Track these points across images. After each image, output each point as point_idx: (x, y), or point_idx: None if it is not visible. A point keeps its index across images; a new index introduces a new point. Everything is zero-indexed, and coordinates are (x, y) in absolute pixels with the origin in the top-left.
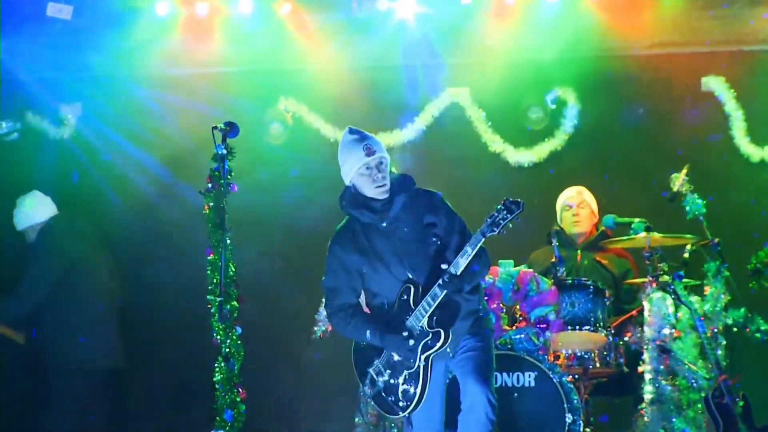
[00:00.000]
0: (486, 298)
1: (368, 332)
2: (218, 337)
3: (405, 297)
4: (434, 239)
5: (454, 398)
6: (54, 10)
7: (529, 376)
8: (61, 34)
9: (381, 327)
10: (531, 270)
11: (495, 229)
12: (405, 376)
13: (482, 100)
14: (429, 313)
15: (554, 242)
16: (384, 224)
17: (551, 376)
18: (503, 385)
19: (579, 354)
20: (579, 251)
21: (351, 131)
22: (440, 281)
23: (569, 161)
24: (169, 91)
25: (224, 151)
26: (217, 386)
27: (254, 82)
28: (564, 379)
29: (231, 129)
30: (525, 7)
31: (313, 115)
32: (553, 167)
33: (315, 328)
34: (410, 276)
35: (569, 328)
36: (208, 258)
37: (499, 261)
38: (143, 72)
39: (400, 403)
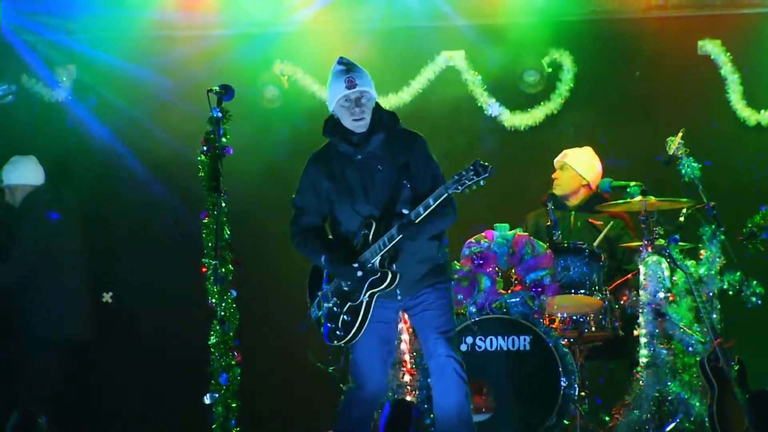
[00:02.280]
0: (481, 261)
1: (323, 257)
2: (213, 300)
3: (365, 231)
4: (405, 181)
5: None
6: None
7: (525, 339)
8: None
9: (336, 255)
10: (526, 234)
11: (459, 187)
12: (348, 307)
13: (478, 63)
14: (382, 252)
15: (549, 205)
16: (359, 157)
17: (546, 339)
18: (498, 348)
19: (574, 318)
20: (573, 212)
21: (340, 61)
22: (398, 225)
23: (565, 125)
24: (164, 54)
25: (219, 114)
26: (212, 349)
27: (249, 45)
28: (559, 342)
29: (226, 92)
30: None
31: (308, 78)
32: (549, 131)
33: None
34: (372, 213)
35: (565, 291)
36: (203, 221)
37: (495, 225)
38: (138, 34)
39: (338, 332)
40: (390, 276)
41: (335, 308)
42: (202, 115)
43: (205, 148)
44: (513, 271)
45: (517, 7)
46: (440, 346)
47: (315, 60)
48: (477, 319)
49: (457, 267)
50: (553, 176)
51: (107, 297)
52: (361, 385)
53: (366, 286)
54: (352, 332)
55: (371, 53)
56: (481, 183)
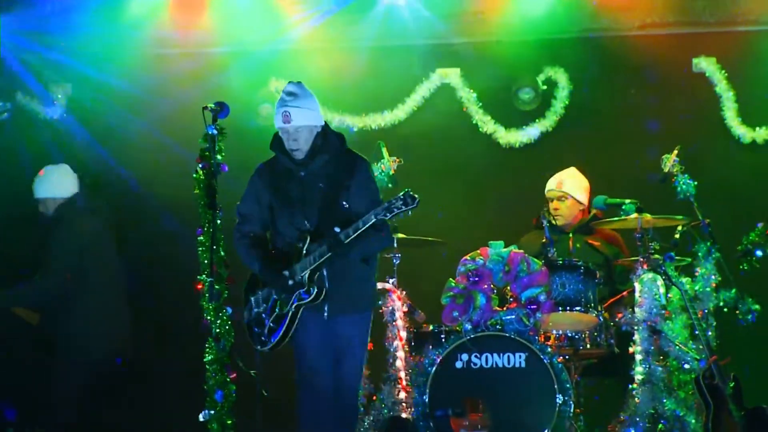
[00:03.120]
0: (476, 279)
1: (258, 265)
2: (208, 317)
3: (300, 245)
4: (344, 202)
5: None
6: None
7: (520, 357)
8: (51, 14)
9: (270, 264)
10: (521, 251)
11: (388, 214)
12: (275, 315)
13: (473, 81)
14: (312, 267)
15: (545, 223)
16: (302, 173)
17: (542, 357)
18: (494, 365)
19: (570, 335)
20: (570, 234)
21: (286, 89)
22: (328, 243)
23: (560, 142)
24: (160, 72)
25: (215, 131)
26: (207, 366)
27: (245, 62)
28: (555, 359)
29: (221, 109)
30: None
31: None
32: (544, 148)
33: None
34: (309, 228)
35: (560, 309)
36: (199, 238)
37: (490, 242)
38: (134, 52)
39: (263, 338)
40: (316, 290)
41: (263, 314)
42: (197, 132)
43: (200, 165)
44: (508, 288)
45: (512, 25)
46: (345, 390)
47: (310, 77)
48: (472, 336)
49: (453, 284)
50: (553, 207)
51: None
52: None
53: (294, 297)
54: (275, 340)
55: (366, 71)
56: (409, 213)
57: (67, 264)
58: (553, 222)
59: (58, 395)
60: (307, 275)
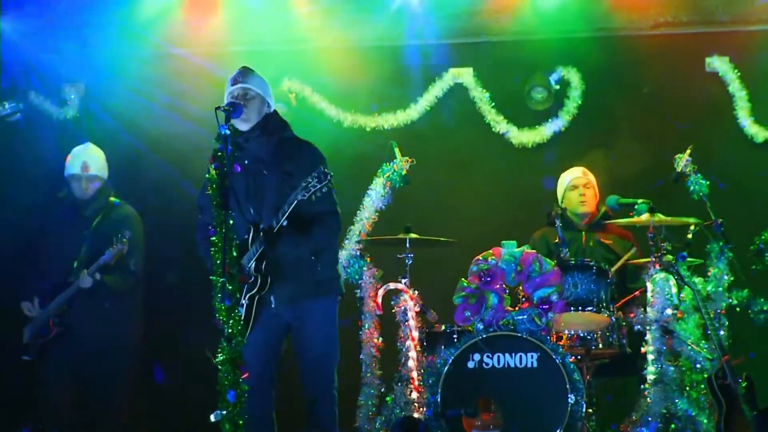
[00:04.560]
0: (488, 278)
1: (209, 262)
2: (221, 317)
3: (246, 236)
4: (287, 189)
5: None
6: None
7: (532, 357)
8: (64, 12)
9: None
10: (534, 251)
11: (305, 194)
12: None
13: (486, 80)
14: (255, 257)
15: (558, 223)
16: (246, 162)
17: (554, 357)
18: (506, 365)
19: (582, 335)
20: (583, 232)
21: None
22: (261, 231)
23: (573, 142)
24: (173, 71)
25: (227, 132)
26: (219, 366)
27: (257, 62)
28: (567, 359)
29: (234, 109)
30: None
31: (316, 96)
32: (557, 148)
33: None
34: (254, 218)
35: (572, 309)
36: (211, 238)
37: (502, 242)
38: (147, 51)
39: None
40: (260, 280)
41: None
42: (210, 132)
43: (213, 165)
44: (520, 288)
45: (525, 24)
46: (316, 388)
47: (323, 78)
48: (484, 336)
49: (465, 284)
50: (580, 193)
51: None
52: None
53: (244, 288)
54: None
55: (379, 70)
56: (325, 189)
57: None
58: (580, 209)
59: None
60: (253, 266)
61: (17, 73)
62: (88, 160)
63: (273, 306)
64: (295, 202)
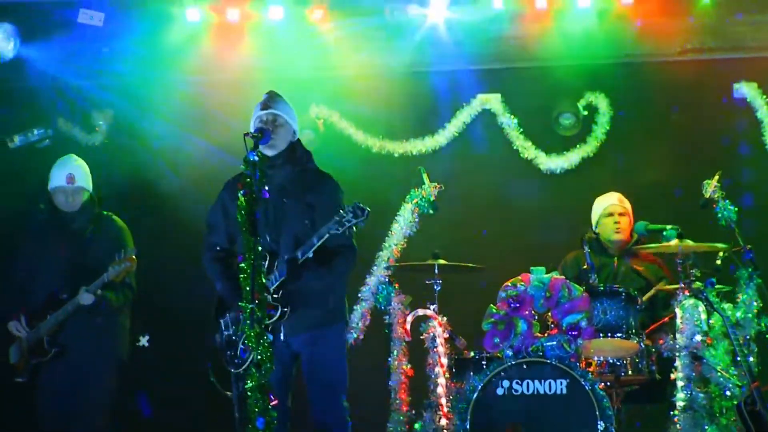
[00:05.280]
0: (517, 305)
1: (219, 284)
2: (250, 344)
3: (263, 264)
4: (307, 221)
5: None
6: (85, 17)
7: (561, 383)
8: (91, 39)
9: (231, 284)
10: (563, 277)
11: (339, 228)
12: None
13: (514, 106)
14: (274, 287)
15: (586, 249)
16: (267, 187)
17: (583, 383)
18: (535, 392)
19: (611, 361)
20: (615, 258)
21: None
22: (285, 262)
23: (601, 168)
24: (200, 98)
25: (256, 158)
26: (248, 393)
27: (285, 88)
28: (596, 386)
29: (263, 136)
30: (557, 13)
31: (344, 122)
32: (585, 174)
33: (348, 335)
34: (271, 246)
35: (601, 335)
36: (240, 265)
37: (531, 268)
38: (174, 78)
39: (236, 360)
40: (280, 310)
41: (234, 336)
42: (235, 157)
43: (241, 192)
44: (549, 314)
45: (553, 51)
46: (329, 416)
47: (351, 104)
48: (513, 362)
49: (494, 310)
50: (614, 221)
51: (143, 341)
52: None
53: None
54: (248, 361)
55: (406, 96)
56: (361, 224)
57: None
58: (614, 237)
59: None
60: (271, 295)
61: (45, 99)
62: (73, 172)
63: (282, 336)
64: (327, 235)
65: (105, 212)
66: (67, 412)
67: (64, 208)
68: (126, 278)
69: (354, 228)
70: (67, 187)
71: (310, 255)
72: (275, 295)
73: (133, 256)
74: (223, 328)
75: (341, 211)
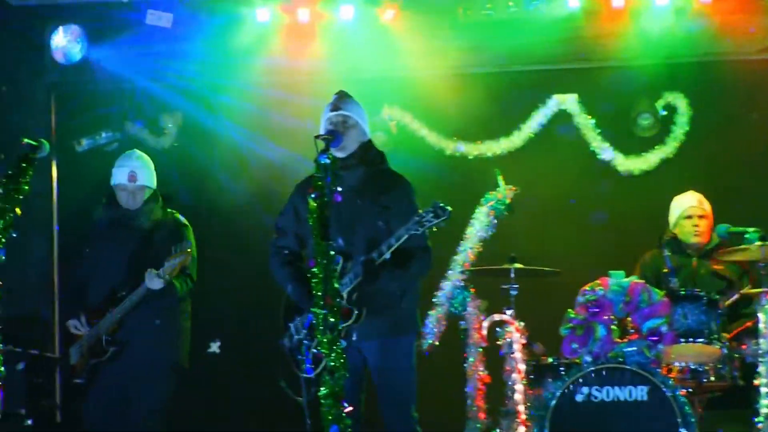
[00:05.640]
0: (596, 309)
1: (290, 287)
2: (323, 350)
3: (336, 267)
4: (381, 222)
5: None
6: (153, 18)
7: (642, 390)
8: (160, 41)
9: (303, 286)
10: (642, 281)
11: (419, 228)
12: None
13: (590, 106)
14: (348, 289)
15: (665, 252)
16: (340, 189)
17: (664, 390)
18: (615, 399)
19: (693, 367)
20: (694, 258)
21: (337, 92)
22: (362, 263)
23: (680, 169)
24: (270, 100)
25: (327, 161)
26: (322, 401)
27: (357, 90)
28: (677, 392)
29: (334, 138)
30: (634, 11)
31: (417, 123)
32: (664, 175)
33: (422, 341)
34: (343, 247)
35: (682, 340)
36: (313, 270)
37: (609, 272)
38: (244, 80)
39: (308, 365)
40: (355, 314)
41: (305, 341)
42: (308, 161)
43: (313, 196)
44: (629, 319)
45: (630, 50)
46: (391, 420)
47: (424, 105)
48: (593, 368)
49: (572, 315)
50: (693, 224)
51: (215, 347)
52: None
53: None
54: (321, 366)
55: (481, 97)
56: (442, 224)
57: None
58: (692, 239)
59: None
60: (344, 297)
61: (113, 101)
62: (135, 170)
63: (354, 339)
64: (406, 236)
65: (169, 210)
66: (117, 415)
67: (125, 205)
68: (186, 269)
69: (434, 228)
70: (128, 185)
71: (388, 256)
72: (351, 298)
73: (189, 250)
74: (293, 331)
75: (421, 211)
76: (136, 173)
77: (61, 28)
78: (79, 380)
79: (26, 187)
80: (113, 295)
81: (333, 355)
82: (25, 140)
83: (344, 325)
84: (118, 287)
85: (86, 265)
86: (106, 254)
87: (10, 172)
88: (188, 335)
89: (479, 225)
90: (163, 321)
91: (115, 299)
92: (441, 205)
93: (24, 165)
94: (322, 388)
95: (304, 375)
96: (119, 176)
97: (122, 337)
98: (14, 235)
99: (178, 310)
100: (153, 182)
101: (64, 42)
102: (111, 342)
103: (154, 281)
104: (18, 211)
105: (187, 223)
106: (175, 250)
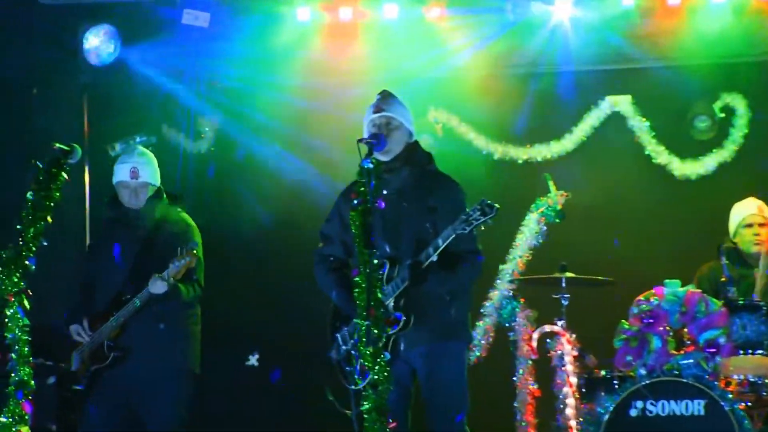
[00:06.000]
0: (650, 320)
1: (335, 293)
2: (366, 363)
3: (382, 272)
4: (428, 224)
5: None
6: (190, 17)
7: (699, 403)
8: (196, 41)
9: (349, 294)
10: (699, 290)
11: (467, 227)
12: None
13: (645, 108)
14: (395, 294)
15: (723, 260)
16: (385, 192)
17: (722, 403)
18: (671, 413)
19: (752, 380)
20: (756, 269)
21: (380, 92)
22: (408, 266)
23: (739, 173)
24: (312, 101)
25: (371, 165)
26: (366, 415)
27: (401, 92)
28: (736, 406)
29: (378, 141)
30: (690, 9)
31: (464, 126)
32: (722, 180)
33: (469, 353)
34: (389, 252)
35: (741, 352)
36: (355, 279)
37: (665, 280)
38: (284, 81)
39: (356, 376)
40: (403, 320)
41: (353, 351)
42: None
43: (355, 202)
44: (685, 330)
45: (686, 49)
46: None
47: (471, 107)
48: (647, 382)
49: (626, 326)
50: (755, 233)
51: (253, 360)
52: None
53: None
54: (368, 377)
55: (530, 99)
56: (489, 222)
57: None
58: (752, 249)
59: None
60: (392, 303)
61: (148, 104)
62: (137, 166)
63: (402, 348)
64: (453, 236)
65: (175, 208)
66: (118, 425)
67: (128, 204)
68: (194, 275)
69: (482, 227)
70: (130, 182)
71: (435, 259)
72: (398, 304)
73: (195, 251)
74: (341, 342)
75: (467, 209)
76: (138, 169)
77: (93, 29)
78: (79, 387)
79: (57, 194)
80: (118, 298)
81: (377, 368)
82: (57, 145)
83: (392, 332)
84: (122, 291)
85: (90, 267)
86: (110, 257)
87: (40, 178)
88: (198, 340)
89: (529, 232)
90: (167, 325)
91: (119, 303)
92: (488, 202)
93: (55, 170)
94: (365, 403)
95: (353, 387)
96: (121, 173)
97: (125, 342)
98: (45, 244)
99: (185, 314)
100: (156, 179)
101: (97, 42)
102: (113, 347)
103: (157, 285)
104: (49, 219)
105: (193, 223)
106: (181, 251)
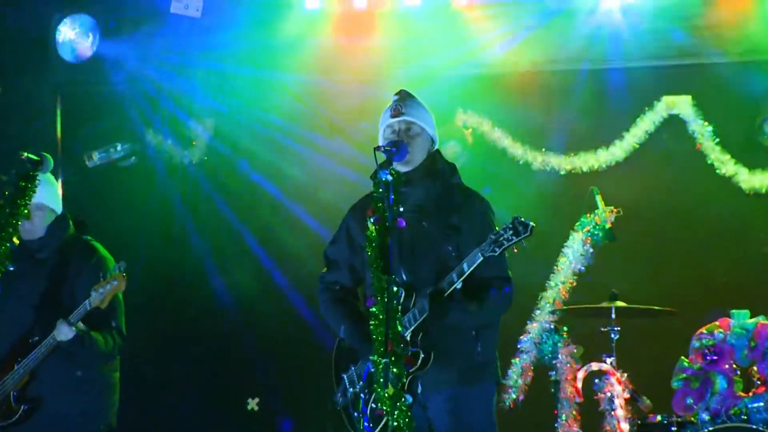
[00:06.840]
0: (714, 357)
1: (343, 327)
2: (384, 408)
3: (398, 303)
4: (450, 247)
5: None
6: (179, 6)
7: None
8: (188, 34)
9: (359, 327)
10: None
11: (497, 249)
12: (376, 395)
13: (708, 110)
14: (412, 328)
15: None
16: (402, 209)
17: None
18: None
19: None
20: None
21: (397, 92)
22: (428, 294)
23: None
24: (320, 102)
25: (389, 177)
26: None
27: (424, 91)
28: None
29: (398, 150)
30: None
31: (498, 132)
32: None
33: (504, 396)
34: (404, 278)
35: None
36: (371, 309)
37: (731, 311)
38: (288, 78)
39: (365, 423)
40: (422, 357)
41: (361, 394)
42: (364, 177)
43: (372, 220)
44: (755, 368)
45: (755, 43)
46: None
47: (506, 109)
48: (711, 428)
49: (686, 364)
50: None
51: (253, 404)
52: None
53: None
54: (381, 425)
55: (574, 100)
56: (523, 244)
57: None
58: None
59: None
60: (408, 338)
61: (131, 106)
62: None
63: (419, 392)
64: (480, 260)
65: (83, 237)
66: None
67: (25, 235)
68: (112, 321)
69: (514, 249)
70: None
71: (459, 286)
72: (415, 339)
73: (123, 273)
74: (347, 384)
75: (498, 228)
76: None
77: (68, 20)
78: None
79: (26, 211)
80: (24, 342)
81: (396, 413)
82: (25, 154)
83: (411, 371)
84: (28, 333)
85: None
86: (11, 296)
87: (6, 193)
88: (117, 390)
89: (573, 255)
90: (85, 373)
91: (24, 347)
92: (522, 220)
93: (23, 184)
94: None
95: None
96: None
97: (34, 392)
98: (11, 269)
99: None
100: (55, 203)
101: (73, 35)
102: (21, 398)
103: (63, 330)
104: (16, 240)
105: (107, 254)
106: (102, 277)
